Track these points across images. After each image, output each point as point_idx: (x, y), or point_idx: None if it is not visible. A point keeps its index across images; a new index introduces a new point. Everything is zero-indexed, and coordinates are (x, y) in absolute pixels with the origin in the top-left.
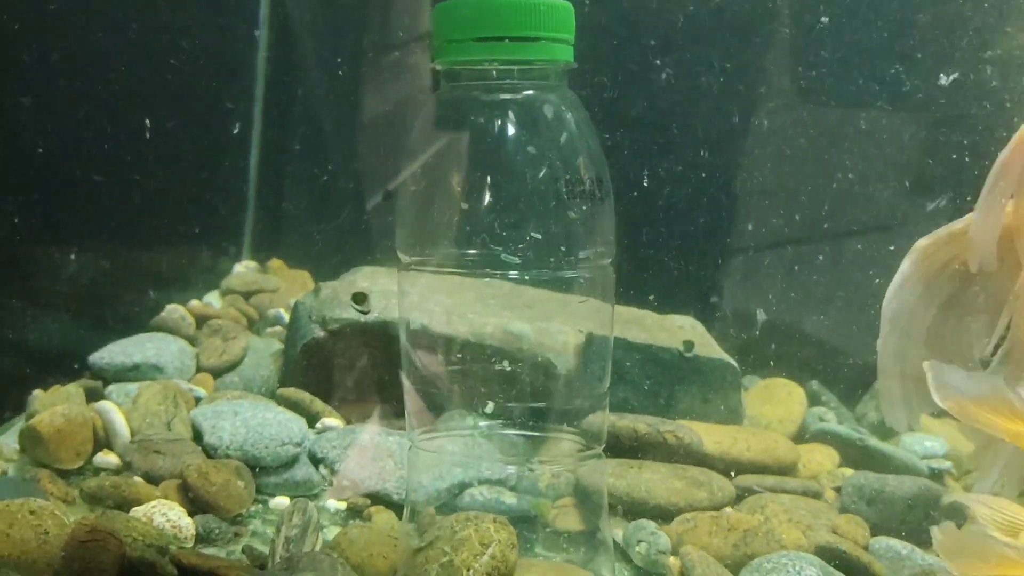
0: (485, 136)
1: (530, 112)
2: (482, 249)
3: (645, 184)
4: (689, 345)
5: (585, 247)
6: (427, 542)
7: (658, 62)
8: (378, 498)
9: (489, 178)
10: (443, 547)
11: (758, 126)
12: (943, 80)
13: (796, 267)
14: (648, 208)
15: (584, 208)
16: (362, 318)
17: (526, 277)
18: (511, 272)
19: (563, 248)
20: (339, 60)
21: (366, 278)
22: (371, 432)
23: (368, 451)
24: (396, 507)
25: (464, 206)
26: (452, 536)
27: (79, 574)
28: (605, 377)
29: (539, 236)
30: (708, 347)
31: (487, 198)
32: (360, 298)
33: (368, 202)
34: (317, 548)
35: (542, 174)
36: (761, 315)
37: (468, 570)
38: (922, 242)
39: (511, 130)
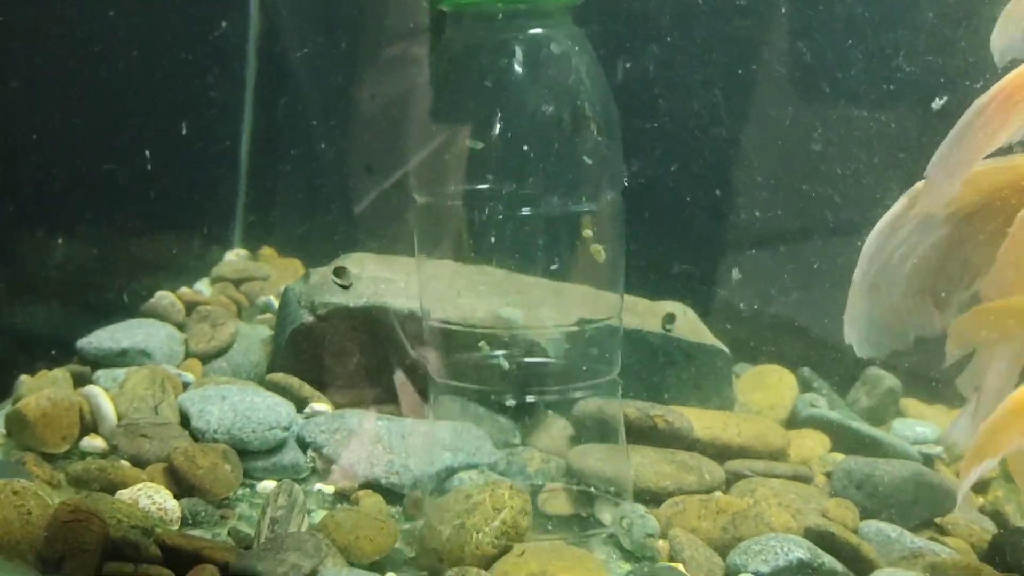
0: (492, 75)
1: (536, 50)
2: (492, 184)
3: (639, 172)
4: (670, 317)
5: (593, 180)
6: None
7: (649, 47)
8: (366, 483)
9: (497, 116)
10: (457, 510)
11: (755, 116)
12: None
13: (791, 257)
14: (642, 196)
15: (590, 141)
16: (351, 303)
17: (536, 211)
18: (523, 208)
19: (571, 181)
20: (332, 48)
21: (355, 264)
22: (360, 417)
23: (363, 440)
24: (384, 491)
25: (473, 144)
26: (467, 500)
27: (61, 554)
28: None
29: (547, 170)
30: (699, 333)
31: (495, 135)
32: (340, 272)
33: (357, 190)
34: (303, 530)
35: (549, 110)
36: (736, 274)
37: (478, 532)
38: (920, 184)
39: (517, 68)
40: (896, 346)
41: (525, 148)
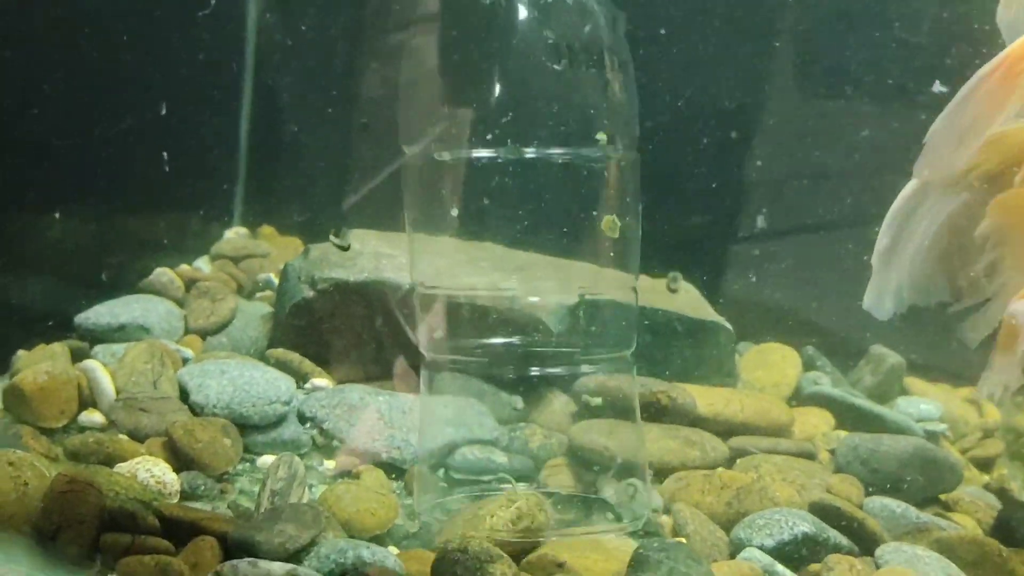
0: (495, 18)
1: None
2: (497, 133)
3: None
4: (675, 278)
5: (604, 125)
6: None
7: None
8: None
9: (500, 60)
10: (467, 515)
11: (765, 108)
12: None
13: (798, 242)
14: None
15: (601, 86)
16: (351, 278)
17: (546, 159)
18: (528, 151)
19: (581, 126)
20: (332, 26)
21: (357, 240)
22: (361, 393)
23: (365, 418)
24: (385, 465)
25: (475, 90)
26: (476, 503)
27: (58, 525)
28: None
29: (555, 115)
30: (703, 310)
31: (499, 80)
32: (339, 231)
33: (358, 168)
34: (303, 502)
35: (555, 54)
36: (760, 222)
37: (491, 516)
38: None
39: (521, 10)
40: (923, 301)
41: (528, 91)
